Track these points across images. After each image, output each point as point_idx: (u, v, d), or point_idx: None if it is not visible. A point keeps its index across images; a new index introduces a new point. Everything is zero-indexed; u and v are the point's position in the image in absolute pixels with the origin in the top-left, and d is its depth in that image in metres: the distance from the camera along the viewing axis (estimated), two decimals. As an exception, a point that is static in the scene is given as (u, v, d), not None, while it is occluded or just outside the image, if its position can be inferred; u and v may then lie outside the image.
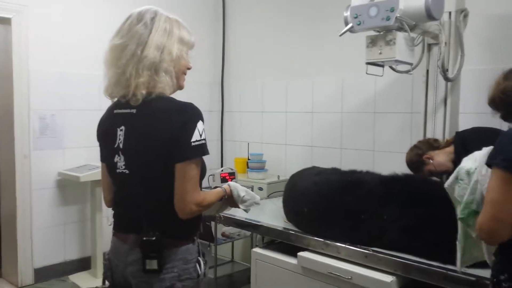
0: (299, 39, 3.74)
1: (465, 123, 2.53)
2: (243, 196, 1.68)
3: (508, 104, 1.42)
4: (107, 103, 1.56)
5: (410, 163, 2.48)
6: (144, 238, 1.43)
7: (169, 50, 1.44)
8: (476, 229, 1.36)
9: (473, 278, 1.68)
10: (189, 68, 1.54)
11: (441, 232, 1.88)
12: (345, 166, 2.71)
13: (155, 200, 1.45)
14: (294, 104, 3.80)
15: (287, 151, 3.85)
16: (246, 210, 1.76)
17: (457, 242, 1.59)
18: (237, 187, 1.69)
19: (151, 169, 1.43)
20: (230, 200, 1.67)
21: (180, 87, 1.53)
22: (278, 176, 3.66)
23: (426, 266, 1.83)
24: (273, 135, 3.96)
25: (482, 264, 1.67)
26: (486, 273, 1.66)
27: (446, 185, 1.62)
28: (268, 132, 4.01)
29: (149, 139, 1.41)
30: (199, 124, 1.40)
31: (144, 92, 1.41)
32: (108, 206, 1.66)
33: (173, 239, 1.45)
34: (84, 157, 3.62)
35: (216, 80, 4.42)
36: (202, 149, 1.41)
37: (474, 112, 2.49)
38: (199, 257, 1.51)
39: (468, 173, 1.51)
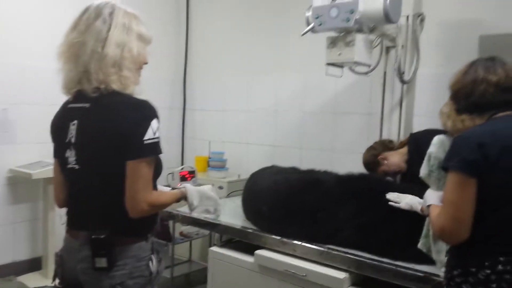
0: (262, 37, 3.75)
1: (419, 125, 2.60)
2: (195, 205, 1.67)
3: (459, 103, 1.47)
4: (62, 98, 1.51)
5: (366, 164, 2.53)
6: (93, 236, 1.40)
7: (129, 47, 1.42)
8: (436, 230, 1.39)
9: (421, 274, 1.74)
10: (145, 63, 1.52)
11: (394, 230, 1.94)
12: (305, 166, 2.73)
13: (105, 197, 1.42)
14: (256, 103, 3.81)
15: (249, 150, 3.85)
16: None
17: (427, 241, 1.62)
18: (193, 194, 1.67)
19: (102, 165, 1.40)
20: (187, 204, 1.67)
21: (137, 82, 1.49)
22: (239, 175, 3.65)
23: (377, 263, 1.88)
24: (234, 133, 3.95)
25: (431, 260, 1.74)
26: (432, 269, 1.73)
27: (422, 174, 1.66)
28: (229, 131, 3.99)
29: (101, 134, 1.38)
30: (153, 122, 1.38)
31: (110, 88, 1.39)
32: (60, 206, 1.62)
33: (124, 236, 1.43)
34: (37, 153, 3.46)
35: (178, 76, 4.36)
36: (155, 147, 1.38)
37: (428, 114, 2.56)
38: (152, 255, 1.49)
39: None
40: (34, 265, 3.51)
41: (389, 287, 1.85)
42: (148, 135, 1.35)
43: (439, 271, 1.70)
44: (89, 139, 1.41)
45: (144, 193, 1.37)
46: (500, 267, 1.30)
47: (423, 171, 1.64)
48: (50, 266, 3.31)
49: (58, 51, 1.45)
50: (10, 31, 3.34)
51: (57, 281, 1.55)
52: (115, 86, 1.40)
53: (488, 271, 1.30)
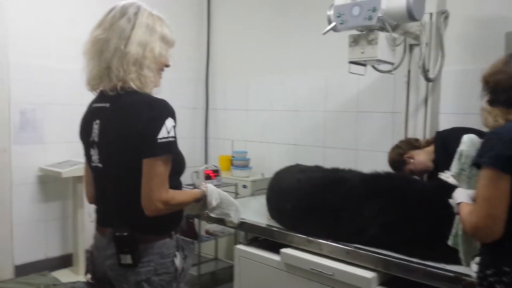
0: (283, 36, 3.75)
1: (445, 123, 2.58)
2: (214, 205, 1.70)
3: (496, 95, 1.44)
4: (89, 98, 1.55)
5: (391, 162, 2.53)
6: (117, 234, 1.44)
7: (151, 47, 1.44)
8: (469, 228, 1.38)
9: (451, 274, 1.71)
10: (167, 66, 1.55)
11: (420, 228, 1.93)
12: (328, 165, 2.73)
13: (125, 196, 1.45)
14: (279, 102, 3.82)
15: (271, 149, 3.87)
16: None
17: (456, 240, 1.61)
18: (212, 194, 1.70)
19: (121, 163, 1.43)
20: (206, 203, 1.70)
21: (156, 86, 1.52)
22: (262, 174, 3.67)
23: (406, 262, 1.87)
24: (257, 132, 3.97)
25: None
26: (463, 269, 1.71)
27: (452, 173, 1.63)
28: (252, 130, 4.02)
29: (120, 133, 1.41)
30: (168, 121, 1.39)
31: (127, 86, 1.41)
32: (90, 202, 1.66)
33: (147, 233, 1.45)
34: (66, 152, 3.57)
35: (201, 77, 4.40)
36: (168, 146, 1.39)
37: (454, 112, 2.55)
38: (177, 252, 1.51)
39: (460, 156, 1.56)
40: (65, 261, 3.63)
41: (417, 287, 1.84)
42: (162, 133, 1.36)
43: (470, 271, 1.67)
44: (109, 138, 1.44)
45: (159, 192, 1.37)
46: None
47: (453, 170, 1.61)
48: (81, 262, 3.41)
49: (84, 48, 1.48)
50: (37, 34, 3.44)
51: (89, 276, 1.59)
52: (134, 84, 1.41)
53: None
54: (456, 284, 1.68)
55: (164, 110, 1.40)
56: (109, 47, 1.41)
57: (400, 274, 1.88)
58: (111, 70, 1.41)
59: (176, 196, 1.46)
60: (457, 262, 1.73)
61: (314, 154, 3.51)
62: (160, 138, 1.36)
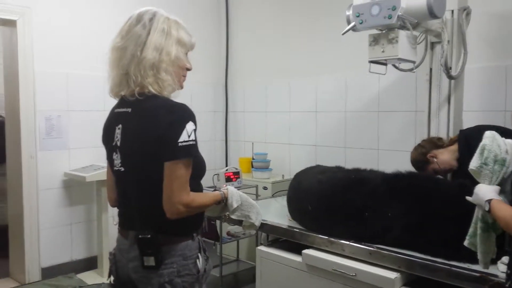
0: (302, 38, 3.75)
1: (469, 121, 2.53)
2: (235, 207, 1.70)
3: None
4: (111, 104, 1.59)
5: (414, 162, 2.49)
6: (140, 236, 1.45)
7: (167, 51, 1.46)
8: (506, 221, 1.33)
9: (477, 274, 1.68)
10: (188, 69, 1.56)
11: (444, 228, 1.90)
12: (349, 165, 2.72)
13: (147, 199, 1.46)
14: (298, 104, 3.82)
15: (291, 151, 3.86)
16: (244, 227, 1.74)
17: (473, 240, 1.57)
18: (233, 196, 1.71)
19: (143, 167, 1.45)
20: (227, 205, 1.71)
21: (180, 86, 1.55)
22: (283, 175, 3.67)
23: (430, 263, 1.84)
24: (277, 134, 3.97)
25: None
26: (490, 269, 1.67)
27: (472, 167, 1.56)
28: (272, 132, 4.02)
29: (140, 137, 1.43)
30: (189, 125, 1.40)
31: (146, 91, 1.44)
32: (112, 206, 1.68)
33: (170, 235, 1.47)
34: (89, 157, 3.65)
35: (220, 80, 4.44)
36: (189, 150, 1.40)
37: (478, 110, 2.49)
38: (199, 254, 1.52)
39: (496, 161, 1.50)
40: (90, 264, 3.70)
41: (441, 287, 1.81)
42: (183, 137, 1.38)
43: (497, 271, 1.66)
44: (130, 143, 1.46)
45: (180, 195, 1.39)
46: None
47: (474, 164, 1.55)
48: (105, 265, 3.47)
49: (107, 59, 1.51)
50: (61, 42, 3.53)
51: (112, 278, 1.61)
52: (152, 88, 1.43)
53: None
54: (482, 284, 1.65)
55: (184, 114, 1.42)
56: (126, 54, 1.44)
57: (424, 274, 1.85)
58: (129, 76, 1.44)
59: (197, 198, 1.48)
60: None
61: (335, 155, 3.49)
62: (181, 142, 1.38)
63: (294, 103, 3.84)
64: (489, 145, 1.54)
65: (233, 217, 1.80)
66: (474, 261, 1.71)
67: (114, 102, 1.57)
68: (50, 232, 3.55)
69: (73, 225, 3.68)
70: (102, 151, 1.61)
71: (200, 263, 1.51)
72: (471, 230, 1.56)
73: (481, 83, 2.58)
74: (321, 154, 3.63)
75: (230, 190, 1.73)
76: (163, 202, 1.40)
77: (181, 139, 1.38)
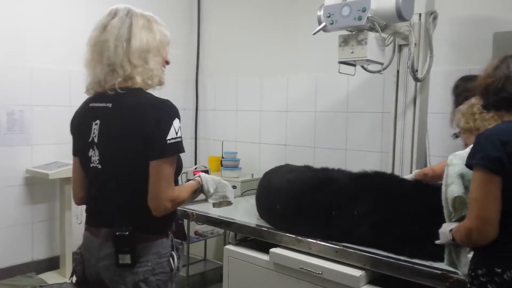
0: (274, 38, 3.76)
1: (433, 123, 2.60)
2: (212, 192, 1.69)
3: (486, 99, 1.46)
4: (77, 99, 1.56)
5: None
6: (117, 233, 1.42)
7: (152, 42, 1.46)
8: (463, 234, 1.37)
9: (438, 272, 1.72)
10: (168, 63, 1.56)
11: (409, 227, 1.93)
12: (318, 165, 2.74)
13: (128, 196, 1.45)
14: (269, 103, 3.82)
15: (261, 150, 3.86)
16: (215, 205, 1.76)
17: (452, 260, 1.57)
18: (208, 181, 1.70)
19: (125, 164, 1.43)
20: (201, 191, 1.69)
21: (161, 82, 1.53)
22: (252, 175, 3.67)
23: (394, 261, 1.87)
24: (247, 133, 3.97)
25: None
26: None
27: (457, 194, 1.51)
28: (242, 131, 4.01)
29: (124, 134, 1.41)
30: (175, 122, 1.40)
31: (129, 84, 1.42)
32: (78, 204, 1.64)
33: (147, 233, 1.45)
34: (53, 154, 3.52)
35: (190, 77, 4.39)
36: (177, 147, 1.40)
37: (442, 112, 2.55)
38: (172, 252, 1.52)
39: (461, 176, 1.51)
40: (52, 264, 3.57)
41: (405, 285, 1.84)
42: (171, 134, 1.38)
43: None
44: (113, 139, 1.43)
45: (167, 191, 1.39)
46: None
47: (458, 191, 1.50)
48: (68, 265, 3.36)
49: (84, 56, 1.49)
50: (22, 36, 3.39)
51: (74, 278, 1.57)
52: (140, 78, 1.43)
53: None
54: (443, 281, 1.69)
55: (171, 111, 1.41)
56: (109, 47, 1.42)
57: (388, 272, 1.89)
58: (115, 67, 1.42)
59: (180, 193, 1.48)
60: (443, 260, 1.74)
61: (304, 154, 3.51)
62: (169, 139, 1.37)
63: (265, 102, 3.85)
64: (464, 169, 1.50)
65: (211, 201, 1.77)
66: (436, 259, 1.77)
67: (80, 97, 1.53)
68: (10, 231, 3.40)
69: (34, 224, 3.54)
70: (67, 148, 1.57)
71: (173, 261, 1.50)
72: (446, 251, 1.57)
73: (446, 86, 2.64)
74: (291, 154, 3.64)
75: (204, 176, 1.71)
76: (150, 200, 1.39)
77: (169, 137, 1.37)
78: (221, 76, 4.19)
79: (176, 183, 1.51)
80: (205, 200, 1.73)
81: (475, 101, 1.95)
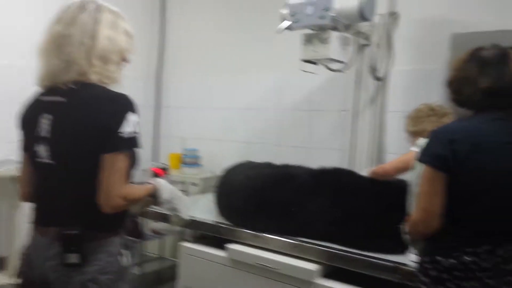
0: (238, 35, 3.74)
1: (393, 122, 2.64)
2: (166, 199, 1.67)
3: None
4: (26, 95, 1.49)
5: None
6: (65, 232, 1.38)
7: (117, 42, 1.45)
8: (410, 225, 1.44)
9: (391, 264, 1.76)
10: (127, 61, 1.55)
11: (364, 222, 1.97)
12: (281, 162, 2.72)
13: (79, 192, 1.40)
14: (232, 100, 3.79)
15: (224, 147, 3.83)
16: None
17: None
18: (165, 188, 1.67)
19: (78, 160, 1.38)
20: (155, 196, 1.65)
21: (117, 81, 1.50)
22: (213, 172, 3.63)
23: (349, 254, 1.90)
24: (210, 131, 3.92)
25: (400, 251, 1.81)
26: (402, 259, 1.78)
27: None
28: (205, 128, 3.96)
29: (78, 128, 1.37)
30: (131, 116, 1.37)
31: (84, 79, 1.39)
32: (24, 200, 1.59)
33: (96, 231, 1.41)
34: (1, 152, 3.34)
35: (151, 74, 4.30)
36: (132, 141, 1.38)
37: (401, 111, 2.59)
38: (123, 250, 1.48)
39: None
40: (-3, 264, 3.39)
41: (360, 278, 1.86)
42: (126, 128, 1.35)
43: (408, 261, 1.74)
44: (65, 134, 1.39)
45: (119, 188, 1.36)
46: (466, 258, 1.34)
47: None
48: (15, 266, 3.20)
49: (40, 46, 1.44)
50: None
51: (19, 280, 1.51)
52: (95, 78, 1.40)
53: (454, 261, 1.34)
54: (395, 273, 1.72)
55: (127, 105, 1.38)
56: (71, 41, 1.39)
57: (343, 265, 1.91)
58: (72, 63, 1.38)
59: (134, 191, 1.45)
60: (395, 252, 1.82)
61: (267, 152, 3.50)
62: (123, 133, 1.35)
63: (229, 100, 3.82)
64: None
65: (162, 209, 1.75)
66: (389, 251, 1.84)
67: (26, 91, 1.47)
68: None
69: (-21, 222, 3.35)
70: (15, 146, 1.48)
71: (124, 259, 1.47)
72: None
73: (405, 85, 2.70)
74: (254, 152, 3.61)
75: (161, 182, 1.69)
76: (100, 196, 1.35)
77: (123, 130, 1.34)
78: (183, 73, 4.13)
79: (131, 180, 1.47)
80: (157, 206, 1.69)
81: (422, 107, 2.07)
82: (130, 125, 1.36)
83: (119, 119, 1.35)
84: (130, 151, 1.39)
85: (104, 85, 1.43)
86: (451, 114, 2.04)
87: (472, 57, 1.44)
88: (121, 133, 1.34)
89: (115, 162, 1.34)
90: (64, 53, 1.39)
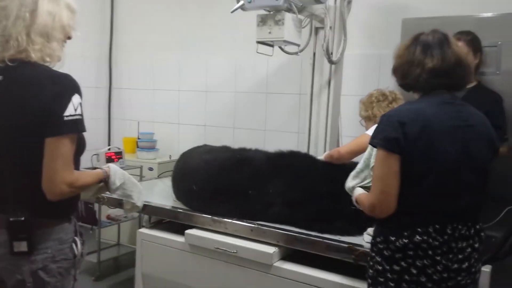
0: (193, 15, 3.65)
1: (346, 105, 2.69)
2: (118, 185, 1.63)
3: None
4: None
5: None
6: (11, 219, 1.32)
7: (60, 17, 1.36)
8: (367, 207, 1.47)
9: (345, 245, 1.81)
10: (69, 38, 1.45)
11: (320, 204, 2.01)
12: (238, 146, 2.72)
13: (23, 178, 1.34)
14: (188, 82, 3.73)
15: (181, 131, 3.77)
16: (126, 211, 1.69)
17: None
18: (116, 173, 1.63)
19: (19, 144, 1.31)
20: (107, 182, 1.62)
21: (59, 59, 1.41)
22: (170, 156, 3.58)
23: (306, 236, 1.93)
24: (165, 113, 3.85)
25: (355, 233, 1.88)
26: (356, 240, 1.85)
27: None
28: (160, 111, 3.88)
29: (18, 110, 1.29)
30: (75, 98, 1.30)
31: (23, 56, 1.31)
32: None
33: (46, 218, 1.36)
34: None
35: (103, 54, 4.13)
36: (76, 124, 1.31)
37: (354, 94, 2.65)
38: (75, 237, 1.43)
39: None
40: None
41: (317, 259, 1.91)
42: (69, 111, 1.28)
43: (362, 241, 1.81)
44: (4, 116, 1.31)
45: (64, 173, 1.30)
46: (417, 237, 1.39)
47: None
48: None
49: None
50: None
51: None
52: (35, 56, 1.31)
53: (406, 241, 1.39)
54: (350, 254, 1.78)
55: (69, 85, 1.31)
56: (8, 15, 1.29)
57: (301, 247, 1.94)
58: (10, 38, 1.29)
59: (81, 177, 1.39)
60: (351, 234, 1.87)
61: (224, 135, 3.49)
62: (67, 116, 1.28)
63: (185, 82, 3.75)
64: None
65: (114, 196, 1.71)
66: (345, 233, 1.89)
67: None
68: None
69: None
70: None
71: (77, 247, 1.42)
72: None
73: (358, 69, 2.76)
74: (211, 135, 3.60)
75: (113, 167, 1.64)
76: (44, 182, 1.29)
77: (67, 113, 1.27)
78: (137, 53, 3.99)
79: (77, 165, 1.42)
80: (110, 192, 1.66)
81: (373, 92, 2.12)
82: (73, 108, 1.29)
83: (62, 101, 1.28)
84: (74, 134, 1.33)
85: (45, 64, 1.35)
86: (401, 99, 2.10)
87: (415, 42, 1.49)
88: (64, 116, 1.28)
89: (58, 146, 1.28)
90: None
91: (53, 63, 1.38)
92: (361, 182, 1.67)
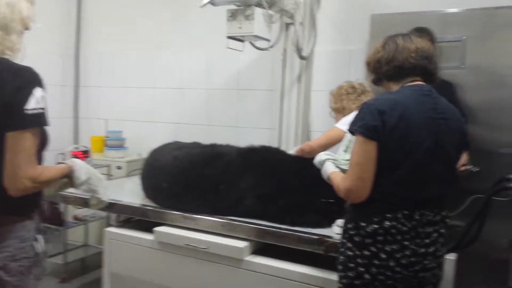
0: (163, 10, 3.60)
1: (317, 101, 2.70)
2: (83, 180, 1.58)
3: (378, 71, 1.56)
4: None
5: None
6: None
7: (19, 8, 1.32)
8: (343, 191, 1.48)
9: (316, 237, 1.82)
10: (28, 29, 1.41)
11: (290, 197, 2.01)
12: (209, 143, 2.69)
13: None
14: (159, 80, 3.67)
15: (152, 129, 3.71)
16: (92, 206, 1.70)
17: None
18: (81, 168, 1.58)
19: None
20: (71, 177, 1.56)
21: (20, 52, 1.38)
22: (139, 154, 3.50)
23: (277, 230, 1.93)
24: (136, 111, 3.77)
25: (324, 225, 1.89)
26: (325, 231, 1.86)
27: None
28: (130, 109, 3.80)
29: None
30: (37, 91, 1.27)
31: None
32: None
33: (6, 215, 1.32)
34: None
35: (69, 51, 4.01)
36: (38, 118, 1.28)
37: (325, 90, 2.66)
38: (37, 235, 1.39)
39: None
40: None
41: (288, 252, 1.91)
42: (31, 104, 1.25)
43: (332, 233, 1.82)
44: None
45: (27, 168, 1.26)
46: (387, 222, 1.42)
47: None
48: None
49: None
50: None
51: None
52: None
53: (376, 226, 1.42)
54: (320, 245, 1.79)
55: (31, 78, 1.28)
56: None
57: (272, 241, 1.94)
58: None
59: (45, 172, 1.35)
60: (321, 226, 1.89)
61: (198, 133, 3.45)
62: (28, 109, 1.25)
63: (156, 79, 3.69)
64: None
65: (79, 190, 1.66)
66: (315, 225, 1.90)
67: None
68: None
69: None
70: None
71: (38, 245, 1.39)
72: None
73: (328, 64, 2.78)
74: (184, 132, 3.54)
75: (77, 162, 1.59)
76: (5, 178, 1.25)
77: (29, 106, 1.24)
78: (106, 50, 3.90)
79: (40, 161, 1.37)
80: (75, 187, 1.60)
81: (344, 84, 2.15)
82: (36, 101, 1.26)
83: (24, 94, 1.25)
84: (36, 128, 1.30)
85: (6, 57, 1.31)
86: (370, 92, 2.13)
87: (391, 37, 1.54)
88: (26, 109, 1.24)
89: (20, 141, 1.25)
90: None
91: (14, 55, 1.33)
92: (332, 158, 1.69)
